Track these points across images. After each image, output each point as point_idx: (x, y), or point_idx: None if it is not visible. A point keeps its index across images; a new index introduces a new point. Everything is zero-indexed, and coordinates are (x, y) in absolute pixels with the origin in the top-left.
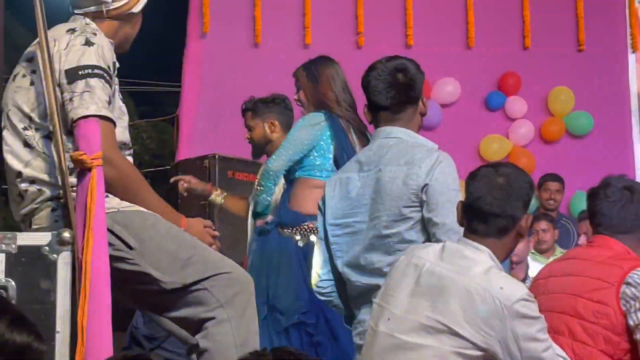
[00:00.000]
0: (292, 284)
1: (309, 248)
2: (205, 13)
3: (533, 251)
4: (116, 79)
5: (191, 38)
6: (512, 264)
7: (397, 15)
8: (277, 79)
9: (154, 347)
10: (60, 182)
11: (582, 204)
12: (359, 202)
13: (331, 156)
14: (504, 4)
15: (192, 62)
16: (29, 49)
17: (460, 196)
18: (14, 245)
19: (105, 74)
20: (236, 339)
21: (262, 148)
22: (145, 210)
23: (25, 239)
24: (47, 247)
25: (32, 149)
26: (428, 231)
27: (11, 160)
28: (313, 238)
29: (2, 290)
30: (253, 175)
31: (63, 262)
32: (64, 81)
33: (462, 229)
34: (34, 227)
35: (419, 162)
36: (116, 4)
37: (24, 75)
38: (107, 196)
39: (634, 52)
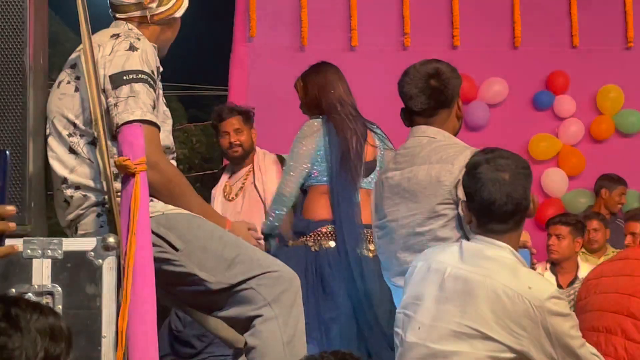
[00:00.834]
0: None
1: (320, 253)
2: (252, 17)
3: (584, 251)
4: (160, 83)
5: (237, 41)
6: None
7: (443, 16)
8: None
9: (206, 345)
10: (105, 188)
11: (632, 203)
12: (393, 201)
13: (336, 160)
14: (550, 3)
15: (238, 66)
16: (73, 55)
17: None
18: (60, 251)
19: (149, 79)
20: (283, 337)
21: (247, 154)
22: (189, 212)
23: (71, 244)
24: (92, 253)
25: (77, 155)
26: (463, 228)
27: (57, 167)
28: (326, 243)
29: (49, 296)
30: None
31: (108, 267)
32: (109, 86)
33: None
34: (80, 232)
35: (452, 159)
36: (160, 9)
37: (68, 82)
38: (151, 200)
39: None
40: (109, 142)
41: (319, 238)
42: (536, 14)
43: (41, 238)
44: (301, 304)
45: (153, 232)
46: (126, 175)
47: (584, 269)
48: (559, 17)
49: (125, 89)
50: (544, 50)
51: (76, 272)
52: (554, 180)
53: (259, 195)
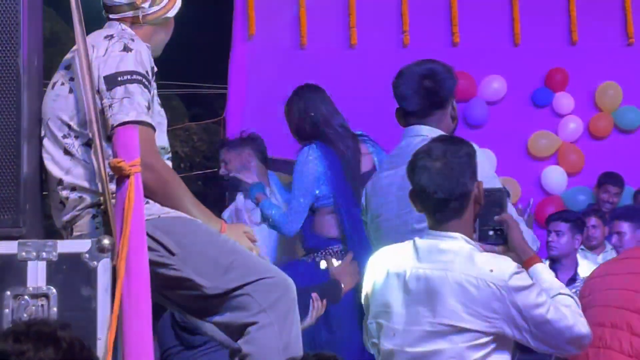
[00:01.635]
0: None
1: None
2: (251, 15)
3: (583, 247)
4: (154, 83)
5: (237, 40)
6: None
7: (443, 13)
8: (322, 80)
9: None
10: (100, 189)
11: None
12: (386, 199)
13: (336, 181)
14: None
15: (237, 64)
16: (67, 56)
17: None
18: (54, 253)
19: (144, 79)
20: (279, 343)
21: (239, 183)
22: (186, 216)
23: (66, 246)
24: (87, 254)
25: (72, 157)
26: None
27: (52, 168)
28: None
29: (44, 298)
30: None
31: (103, 269)
32: (103, 88)
33: None
34: (75, 234)
35: None
36: (153, 9)
37: (62, 83)
38: (147, 202)
39: None
40: (104, 144)
41: (329, 256)
42: (535, 10)
43: (36, 240)
44: (297, 310)
45: (149, 235)
46: (121, 176)
47: (584, 265)
48: (558, 13)
49: (119, 90)
50: (542, 47)
51: (71, 274)
52: (554, 178)
53: None
